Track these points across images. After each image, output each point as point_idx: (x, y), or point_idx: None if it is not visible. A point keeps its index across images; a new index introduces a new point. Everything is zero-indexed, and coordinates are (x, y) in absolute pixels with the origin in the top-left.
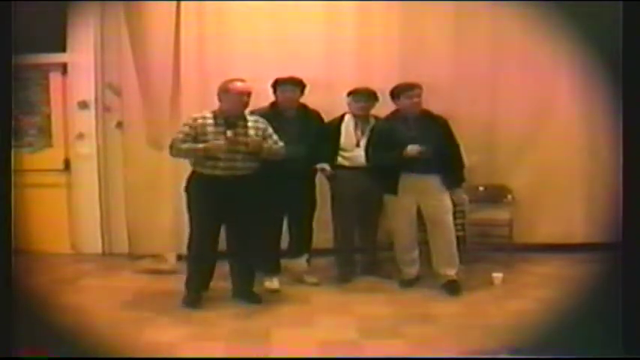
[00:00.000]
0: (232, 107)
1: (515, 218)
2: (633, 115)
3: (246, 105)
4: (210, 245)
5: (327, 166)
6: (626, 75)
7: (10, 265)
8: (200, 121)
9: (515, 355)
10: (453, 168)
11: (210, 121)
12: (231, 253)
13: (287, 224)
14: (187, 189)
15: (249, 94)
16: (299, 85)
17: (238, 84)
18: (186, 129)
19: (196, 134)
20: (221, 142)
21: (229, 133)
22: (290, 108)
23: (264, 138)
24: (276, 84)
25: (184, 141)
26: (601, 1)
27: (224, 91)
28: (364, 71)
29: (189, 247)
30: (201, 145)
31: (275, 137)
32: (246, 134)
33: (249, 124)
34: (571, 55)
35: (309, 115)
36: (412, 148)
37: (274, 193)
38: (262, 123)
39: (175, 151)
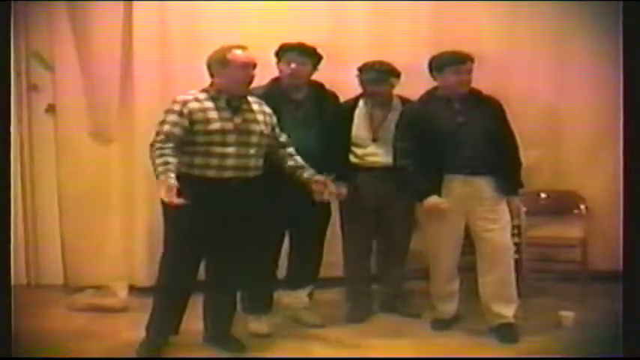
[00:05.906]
0: (235, 85)
1: (590, 236)
2: (633, 115)
3: (252, 80)
4: (190, 274)
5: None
6: (626, 75)
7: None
8: (194, 104)
9: (517, 356)
10: (508, 168)
11: (209, 103)
12: (214, 283)
13: (288, 244)
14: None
15: (254, 65)
16: (311, 54)
17: (240, 52)
18: (175, 117)
19: (192, 122)
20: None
21: (237, 119)
22: (298, 86)
23: (272, 128)
24: (280, 52)
25: (172, 135)
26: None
27: (221, 62)
28: (381, 38)
29: (160, 275)
30: (172, 181)
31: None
32: (255, 120)
33: (254, 107)
34: None
35: (324, 97)
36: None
37: (274, 203)
38: (266, 107)
39: (158, 153)
